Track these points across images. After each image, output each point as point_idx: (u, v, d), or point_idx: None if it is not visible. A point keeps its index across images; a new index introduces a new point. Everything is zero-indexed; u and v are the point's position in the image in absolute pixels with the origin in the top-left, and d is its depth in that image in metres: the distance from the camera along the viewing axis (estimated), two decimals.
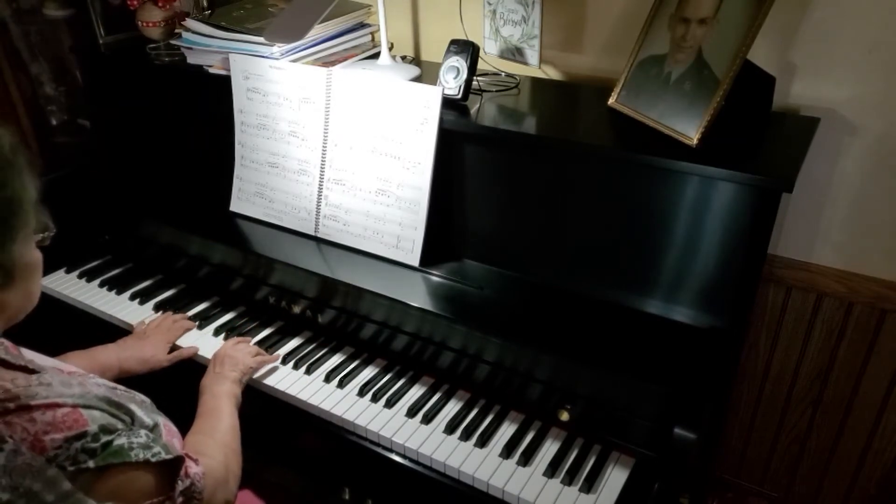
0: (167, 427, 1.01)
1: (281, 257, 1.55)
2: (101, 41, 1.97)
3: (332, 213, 1.59)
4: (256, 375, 1.46)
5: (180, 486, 0.94)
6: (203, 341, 1.57)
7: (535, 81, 1.63)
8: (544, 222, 1.42)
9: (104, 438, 0.85)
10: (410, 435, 1.32)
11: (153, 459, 0.90)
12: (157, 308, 1.69)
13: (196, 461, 1.02)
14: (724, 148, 1.23)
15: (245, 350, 1.45)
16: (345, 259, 1.55)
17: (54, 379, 0.88)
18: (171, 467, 0.94)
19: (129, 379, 1.37)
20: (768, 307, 1.62)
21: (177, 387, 1.30)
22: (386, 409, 1.38)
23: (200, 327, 1.61)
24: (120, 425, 0.89)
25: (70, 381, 0.90)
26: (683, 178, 1.24)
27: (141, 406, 0.97)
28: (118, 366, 1.42)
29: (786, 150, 1.27)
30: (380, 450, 1.33)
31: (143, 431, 0.92)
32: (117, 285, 1.77)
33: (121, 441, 0.87)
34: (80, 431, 0.84)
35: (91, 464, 0.83)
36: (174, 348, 1.54)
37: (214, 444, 1.16)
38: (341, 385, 1.44)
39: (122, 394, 0.97)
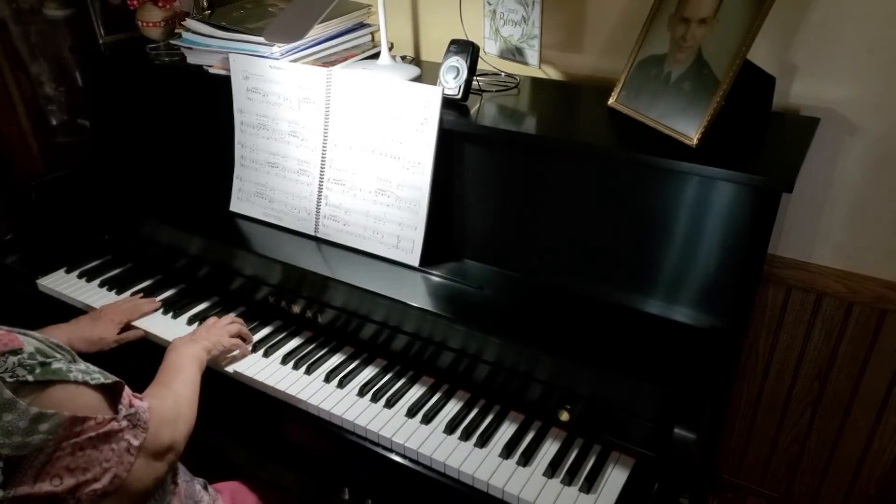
0: None
1: (281, 257, 1.55)
2: (101, 41, 1.97)
3: (332, 213, 1.59)
4: (256, 375, 1.46)
5: (123, 410, 0.97)
6: None
7: (535, 81, 1.64)
8: (544, 222, 1.42)
9: (40, 358, 0.89)
10: (410, 435, 1.32)
11: (92, 381, 0.93)
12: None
13: (141, 399, 1.05)
14: (724, 148, 1.23)
15: (224, 328, 1.48)
16: (345, 259, 1.55)
17: None
18: (112, 392, 0.97)
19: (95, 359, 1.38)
20: (768, 307, 1.62)
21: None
22: (386, 409, 1.38)
23: None
24: (58, 356, 0.92)
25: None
26: (683, 178, 1.24)
27: (87, 363, 1.00)
28: (67, 344, 1.42)
29: (786, 150, 1.27)
30: (380, 450, 1.33)
31: (83, 365, 0.95)
32: (117, 285, 1.77)
33: (59, 364, 0.90)
34: (15, 348, 0.87)
35: (30, 378, 0.86)
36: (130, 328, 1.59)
37: (167, 391, 1.21)
38: (341, 385, 1.43)
39: (66, 346, 1.00)
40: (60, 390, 0.89)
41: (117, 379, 0.99)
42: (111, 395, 0.97)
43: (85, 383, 0.92)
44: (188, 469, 1.25)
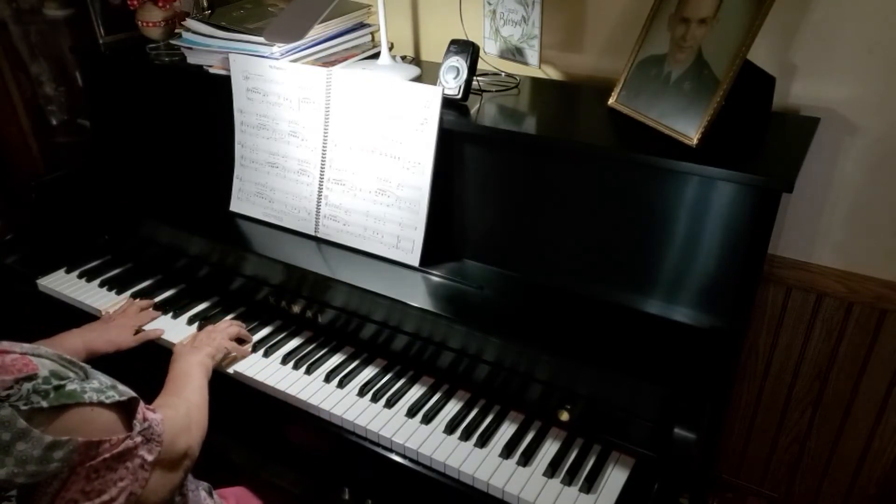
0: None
1: (281, 257, 1.55)
2: (101, 41, 1.98)
3: (332, 213, 1.59)
4: (256, 375, 1.46)
5: (138, 426, 0.96)
6: None
7: (535, 81, 1.64)
8: (544, 222, 1.42)
9: (55, 382, 0.87)
10: (410, 435, 1.32)
11: (107, 401, 0.92)
12: (156, 308, 1.69)
13: (154, 411, 1.05)
14: (724, 148, 1.23)
15: (224, 332, 1.49)
16: (345, 259, 1.55)
17: (3, 342, 0.91)
18: (127, 409, 0.96)
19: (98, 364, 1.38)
20: (768, 307, 1.62)
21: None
22: (386, 409, 1.38)
23: (200, 328, 1.61)
24: (72, 374, 0.91)
25: (21, 343, 0.94)
26: (683, 178, 1.24)
27: (100, 374, 1.00)
28: (84, 348, 1.45)
29: (786, 150, 1.27)
30: (380, 450, 1.33)
31: (96, 381, 0.94)
32: (117, 285, 1.77)
33: (73, 386, 0.89)
34: (30, 374, 0.86)
35: (44, 404, 0.85)
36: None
37: (178, 400, 1.21)
38: (341, 385, 1.43)
39: (78, 361, 0.99)
40: (75, 414, 0.88)
41: (132, 395, 0.97)
42: (126, 411, 0.96)
43: (100, 403, 0.91)
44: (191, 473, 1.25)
